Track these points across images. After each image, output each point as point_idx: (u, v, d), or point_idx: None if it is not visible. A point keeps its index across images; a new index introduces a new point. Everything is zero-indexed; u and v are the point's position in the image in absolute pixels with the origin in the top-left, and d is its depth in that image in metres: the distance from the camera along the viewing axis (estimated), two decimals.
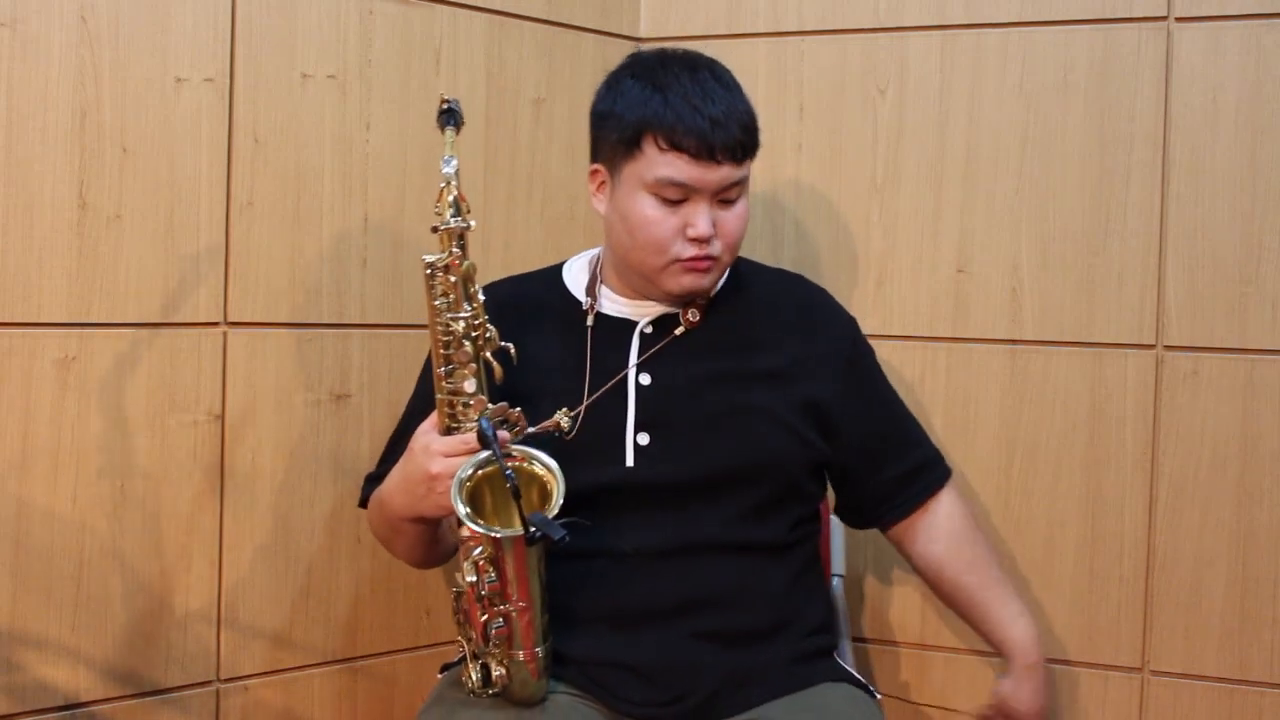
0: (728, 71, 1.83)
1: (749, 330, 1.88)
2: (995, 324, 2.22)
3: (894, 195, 2.28)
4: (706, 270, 1.80)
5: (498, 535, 1.61)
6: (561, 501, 1.62)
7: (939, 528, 1.96)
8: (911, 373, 2.26)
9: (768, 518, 1.83)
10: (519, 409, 1.70)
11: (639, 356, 1.84)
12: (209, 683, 2.01)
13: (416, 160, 2.18)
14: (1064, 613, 2.19)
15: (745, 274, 1.96)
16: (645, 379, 1.83)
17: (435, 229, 1.68)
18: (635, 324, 1.86)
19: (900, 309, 2.27)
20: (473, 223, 1.68)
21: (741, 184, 1.81)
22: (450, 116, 1.70)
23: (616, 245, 1.85)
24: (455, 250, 1.67)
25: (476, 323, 1.68)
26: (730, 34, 2.36)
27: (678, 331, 1.85)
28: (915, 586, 2.26)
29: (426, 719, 1.77)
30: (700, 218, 1.77)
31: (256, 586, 2.05)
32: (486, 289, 1.74)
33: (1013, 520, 2.22)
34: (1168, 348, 2.13)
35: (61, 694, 1.88)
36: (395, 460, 1.87)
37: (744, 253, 1.93)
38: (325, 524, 2.11)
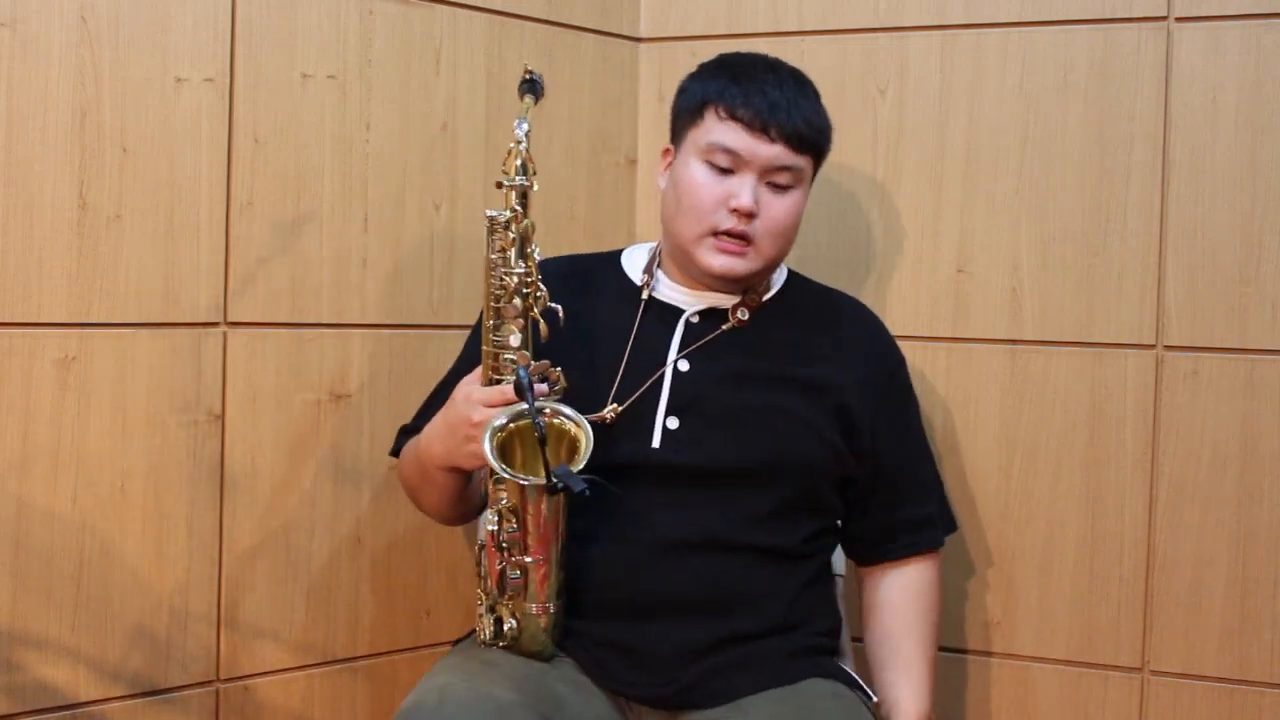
0: (811, 82, 1.89)
1: (795, 340, 1.89)
2: (995, 324, 2.22)
3: (894, 195, 2.28)
4: (741, 253, 1.82)
5: (521, 482, 1.66)
6: (589, 457, 1.67)
7: (904, 580, 1.94)
8: (911, 373, 2.26)
9: (785, 523, 1.83)
10: (559, 368, 1.73)
11: (682, 343, 1.86)
12: (209, 683, 2.01)
13: (416, 160, 2.18)
14: (1064, 613, 2.19)
15: (801, 287, 1.98)
16: (684, 365, 1.85)
17: (499, 184, 1.74)
18: (683, 312, 1.88)
19: (900, 309, 2.27)
20: (535, 184, 1.75)
21: (795, 173, 1.83)
22: (531, 86, 1.79)
23: (666, 217, 1.88)
24: (516, 207, 1.73)
25: (529, 280, 1.73)
26: (730, 34, 2.36)
27: (725, 327, 1.87)
28: None
29: (442, 665, 1.78)
30: (745, 190, 1.80)
31: (256, 586, 2.05)
32: (545, 263, 1.79)
33: (1013, 520, 2.22)
34: (1168, 348, 2.13)
35: (61, 694, 1.88)
36: (431, 414, 1.90)
37: None
38: (325, 524, 2.11)
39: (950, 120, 2.24)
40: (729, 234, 1.81)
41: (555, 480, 1.62)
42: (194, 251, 1.97)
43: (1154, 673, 2.15)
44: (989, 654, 2.23)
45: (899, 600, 1.93)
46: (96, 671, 1.91)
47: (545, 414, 1.70)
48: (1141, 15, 2.13)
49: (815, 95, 1.88)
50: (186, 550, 1.98)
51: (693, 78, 1.90)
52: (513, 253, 1.73)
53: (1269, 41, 2.08)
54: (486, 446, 1.66)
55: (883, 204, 2.29)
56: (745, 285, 1.89)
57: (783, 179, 1.82)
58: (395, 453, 2.01)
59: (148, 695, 1.96)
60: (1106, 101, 2.15)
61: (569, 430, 1.71)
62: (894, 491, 1.92)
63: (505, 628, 1.73)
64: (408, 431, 1.98)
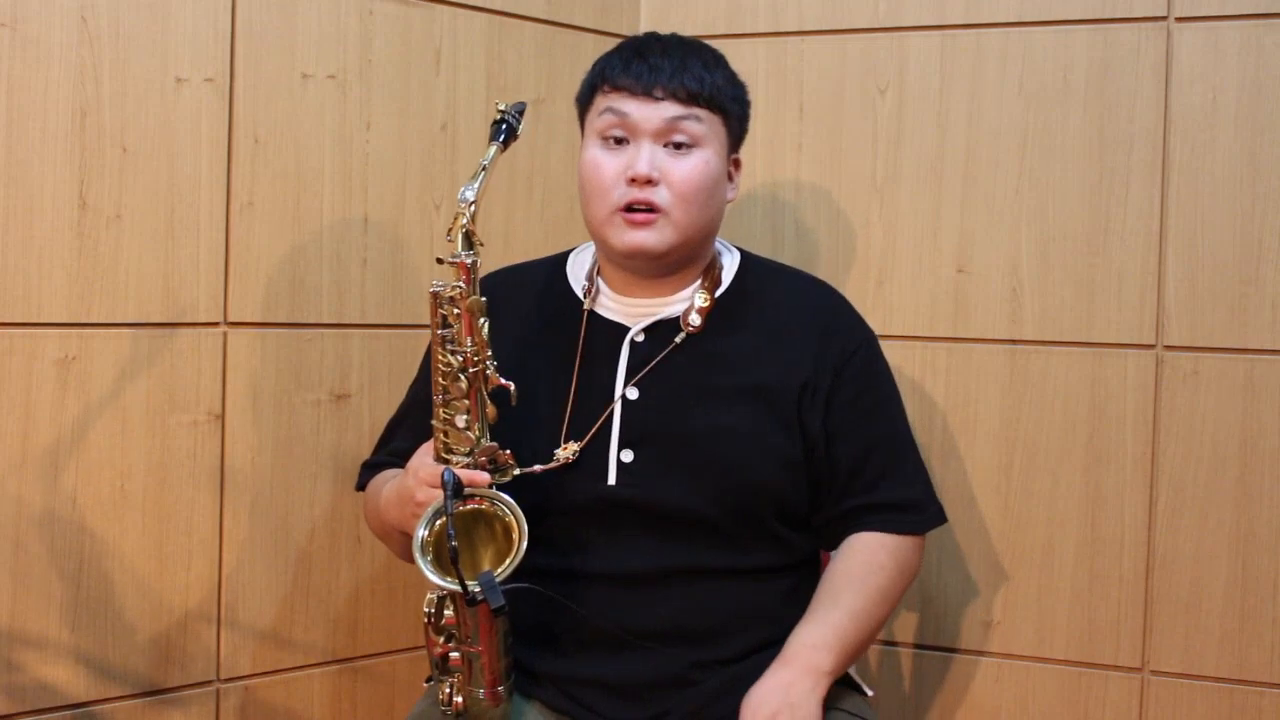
0: (712, 49, 1.80)
1: (752, 341, 1.79)
2: (995, 324, 2.22)
3: (894, 195, 2.28)
4: (649, 223, 1.72)
5: (439, 584, 1.57)
6: (517, 562, 1.57)
7: (854, 546, 1.78)
8: (911, 373, 2.26)
9: (758, 543, 1.76)
10: (509, 450, 1.66)
11: (628, 371, 1.77)
12: (209, 683, 2.01)
13: (416, 160, 2.18)
14: (1064, 613, 2.19)
15: (755, 273, 1.86)
16: (633, 393, 1.76)
17: (441, 260, 1.64)
18: (627, 330, 1.79)
19: (900, 309, 2.27)
20: (480, 259, 1.64)
21: (693, 130, 1.73)
22: (503, 131, 1.67)
23: (582, 213, 1.79)
24: (461, 285, 1.63)
25: (476, 359, 1.63)
26: (730, 34, 2.36)
27: (678, 339, 1.77)
28: (915, 586, 2.26)
29: None
30: (640, 156, 1.71)
31: (256, 586, 2.05)
32: (487, 278, 1.70)
33: (1013, 520, 2.22)
34: (1168, 348, 2.13)
35: (61, 694, 1.88)
36: (388, 449, 1.88)
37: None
38: (325, 524, 2.11)
39: (950, 120, 2.24)
40: (633, 207, 1.71)
41: (475, 592, 1.53)
42: (194, 251, 1.97)
43: (1154, 673, 2.15)
44: (989, 654, 2.23)
45: (837, 565, 1.78)
46: (96, 671, 1.91)
47: (478, 502, 1.62)
48: (1141, 15, 2.13)
49: (713, 59, 1.78)
50: (186, 550, 1.98)
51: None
52: (459, 327, 1.63)
53: (1269, 41, 2.08)
54: (416, 549, 1.58)
55: (883, 204, 2.29)
56: (671, 264, 1.77)
57: (680, 137, 1.72)
58: (360, 487, 1.93)
59: (148, 695, 1.96)
60: (1106, 101, 2.15)
61: (505, 520, 1.62)
62: (855, 479, 1.79)
63: (454, 701, 1.65)
64: (369, 467, 1.92)
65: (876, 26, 2.28)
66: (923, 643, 2.27)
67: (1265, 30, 2.08)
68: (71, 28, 1.85)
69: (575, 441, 1.75)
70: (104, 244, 1.89)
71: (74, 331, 1.88)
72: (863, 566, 1.77)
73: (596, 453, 1.75)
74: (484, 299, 1.64)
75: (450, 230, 1.64)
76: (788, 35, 2.33)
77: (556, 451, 1.74)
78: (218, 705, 2.02)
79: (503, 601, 1.52)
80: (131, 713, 1.94)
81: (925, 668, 2.28)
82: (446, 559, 1.55)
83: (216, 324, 2.00)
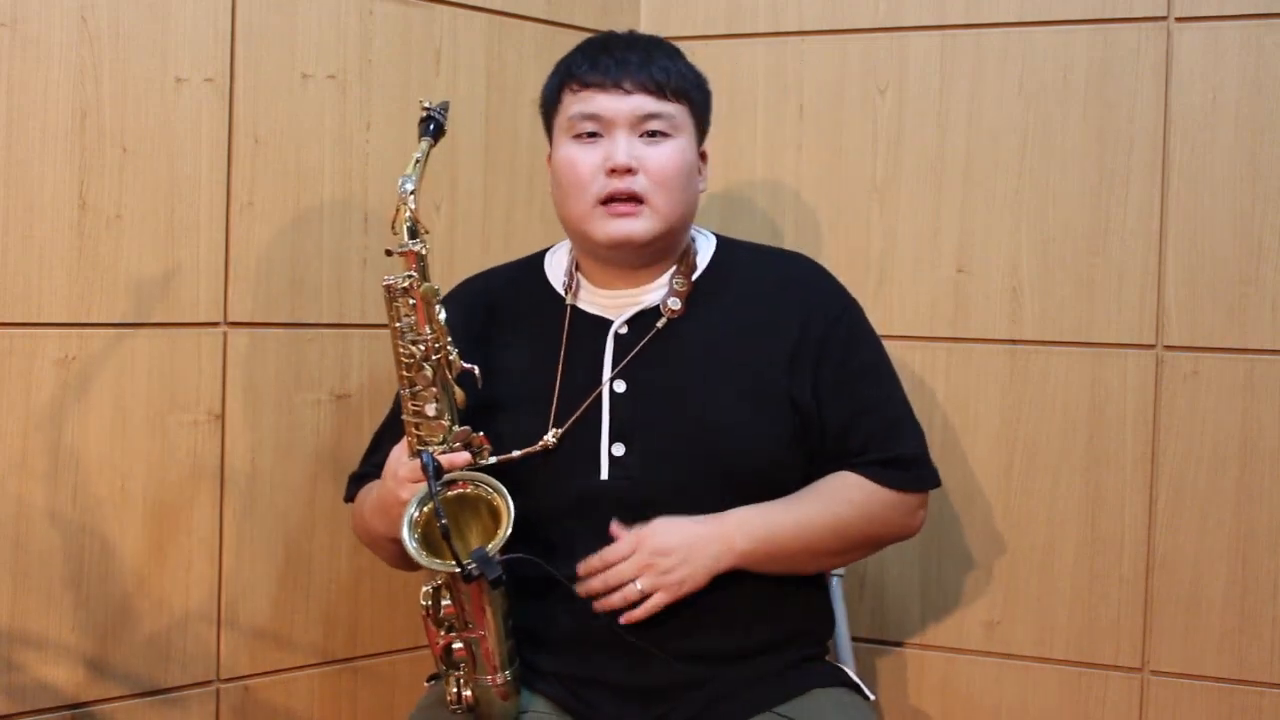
0: (671, 44, 1.82)
1: (734, 321, 1.78)
2: (995, 324, 2.22)
3: (894, 195, 2.28)
4: (634, 213, 1.73)
5: (434, 568, 1.58)
6: (508, 535, 1.58)
7: (840, 477, 1.77)
8: (911, 373, 2.26)
9: None
10: (482, 433, 1.66)
11: (614, 363, 1.76)
12: (209, 683, 2.01)
13: None
14: (1064, 613, 2.19)
15: (732, 253, 1.86)
16: (620, 386, 1.76)
17: (390, 252, 1.65)
18: (610, 323, 1.79)
19: (900, 309, 2.27)
20: (426, 247, 1.64)
21: (667, 120, 1.75)
22: (432, 127, 1.68)
23: (557, 210, 1.80)
24: (413, 274, 1.63)
25: (437, 346, 1.64)
26: (730, 34, 2.36)
27: (659, 324, 1.77)
28: (916, 585, 2.27)
29: None
30: (617, 147, 1.72)
31: (256, 586, 2.05)
32: (462, 285, 1.71)
33: (1013, 520, 2.22)
34: (1168, 348, 2.13)
35: (61, 694, 1.88)
36: (374, 460, 1.86)
37: None
38: (325, 524, 2.11)
39: (950, 120, 2.24)
40: (615, 198, 1.72)
41: (470, 568, 1.53)
42: (194, 251, 1.97)
43: (1154, 673, 2.15)
44: (989, 654, 2.23)
45: (811, 485, 1.77)
46: (96, 671, 1.91)
47: (461, 486, 1.62)
48: (1141, 15, 2.13)
49: (675, 52, 1.80)
50: (186, 550, 1.98)
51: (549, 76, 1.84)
52: (416, 318, 1.63)
53: (1269, 41, 2.08)
54: (405, 534, 1.59)
55: (883, 204, 2.29)
56: (654, 252, 1.77)
57: (654, 125, 1.74)
58: (349, 499, 1.92)
59: (148, 695, 1.96)
60: (1106, 101, 2.16)
61: (491, 500, 1.62)
62: (846, 443, 1.77)
63: (464, 695, 1.66)
64: (356, 479, 1.91)
65: (876, 26, 2.28)
66: (923, 643, 2.27)
67: (1265, 30, 2.08)
68: (71, 28, 1.85)
69: (557, 428, 1.74)
70: (104, 244, 1.89)
71: (74, 331, 1.88)
72: (829, 493, 1.76)
73: (588, 448, 1.74)
74: (437, 286, 1.65)
75: (394, 222, 1.64)
76: (788, 35, 2.33)
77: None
78: (217, 705, 2.02)
79: (499, 572, 1.53)
80: (131, 713, 1.94)
81: (925, 668, 2.28)
82: (437, 541, 1.55)
83: (216, 324, 2.00)
